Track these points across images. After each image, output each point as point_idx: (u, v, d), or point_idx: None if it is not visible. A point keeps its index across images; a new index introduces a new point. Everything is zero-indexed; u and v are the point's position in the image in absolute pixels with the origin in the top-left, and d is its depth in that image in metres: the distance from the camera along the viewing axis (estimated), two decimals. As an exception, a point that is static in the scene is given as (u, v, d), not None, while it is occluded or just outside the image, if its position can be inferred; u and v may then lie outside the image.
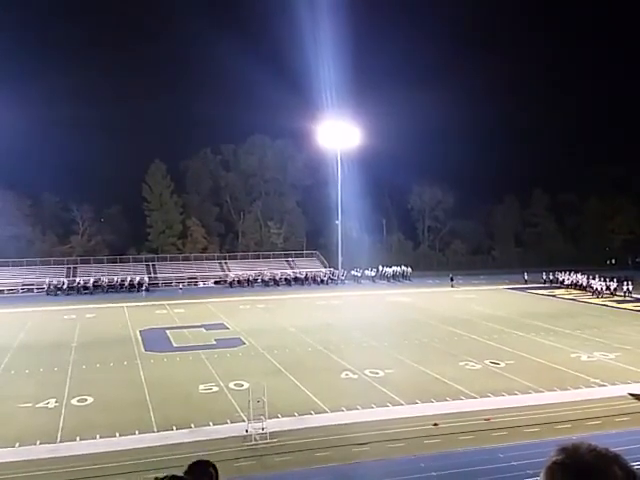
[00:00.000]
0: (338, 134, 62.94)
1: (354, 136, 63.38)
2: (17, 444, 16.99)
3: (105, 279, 57.07)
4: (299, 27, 60.68)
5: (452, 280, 56.67)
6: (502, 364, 25.98)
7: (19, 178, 59.73)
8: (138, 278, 57.59)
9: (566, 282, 55.65)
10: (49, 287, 55.27)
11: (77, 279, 56.94)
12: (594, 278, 51.59)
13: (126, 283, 56.34)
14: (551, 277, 58.07)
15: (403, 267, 64.02)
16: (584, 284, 52.57)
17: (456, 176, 68.57)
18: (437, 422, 18.56)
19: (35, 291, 55.95)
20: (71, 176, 61.72)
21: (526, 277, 57.28)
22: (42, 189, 67.98)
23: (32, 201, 69.54)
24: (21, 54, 64.02)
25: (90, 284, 55.78)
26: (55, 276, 57.86)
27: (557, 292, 52.19)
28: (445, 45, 74.65)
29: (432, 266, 71.89)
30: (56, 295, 53.89)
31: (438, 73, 72.40)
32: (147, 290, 55.62)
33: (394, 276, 63.15)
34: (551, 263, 65.08)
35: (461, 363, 26.32)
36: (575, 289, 53.29)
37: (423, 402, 20.61)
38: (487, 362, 26.35)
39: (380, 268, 63.89)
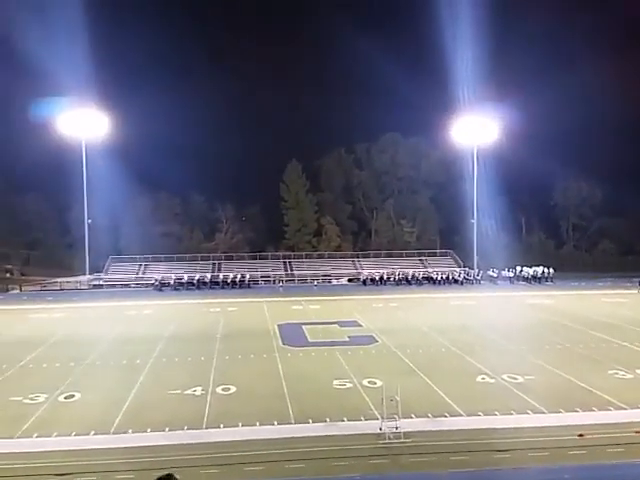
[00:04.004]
0: (474, 129, 61.10)
1: (491, 131, 61.20)
2: (167, 429, 18.24)
3: (208, 275, 60.13)
4: (436, 22, 59.59)
5: None
6: (658, 375, 23.81)
7: (169, 179, 64.39)
8: (240, 275, 59.87)
9: None
10: (155, 282, 58.32)
11: (184, 275, 59.72)
12: None
13: (229, 280, 58.86)
14: None
15: (544, 268, 60.72)
16: None
17: (604, 170, 63.84)
18: (583, 433, 17.44)
19: (145, 287, 58.99)
20: (215, 177, 65.72)
21: None
22: (190, 189, 72.88)
23: (181, 201, 74.86)
24: (169, 58, 69.07)
25: (195, 280, 58.65)
26: (203, 271, 61.96)
27: None
28: (593, 33, 69.73)
29: (577, 267, 67.47)
30: (161, 291, 56.64)
31: (584, 61, 67.84)
32: (241, 286, 57.99)
33: (534, 277, 60.06)
34: None
35: (610, 372, 24.49)
36: None
37: (567, 411, 19.46)
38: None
39: (518, 268, 61.11)
